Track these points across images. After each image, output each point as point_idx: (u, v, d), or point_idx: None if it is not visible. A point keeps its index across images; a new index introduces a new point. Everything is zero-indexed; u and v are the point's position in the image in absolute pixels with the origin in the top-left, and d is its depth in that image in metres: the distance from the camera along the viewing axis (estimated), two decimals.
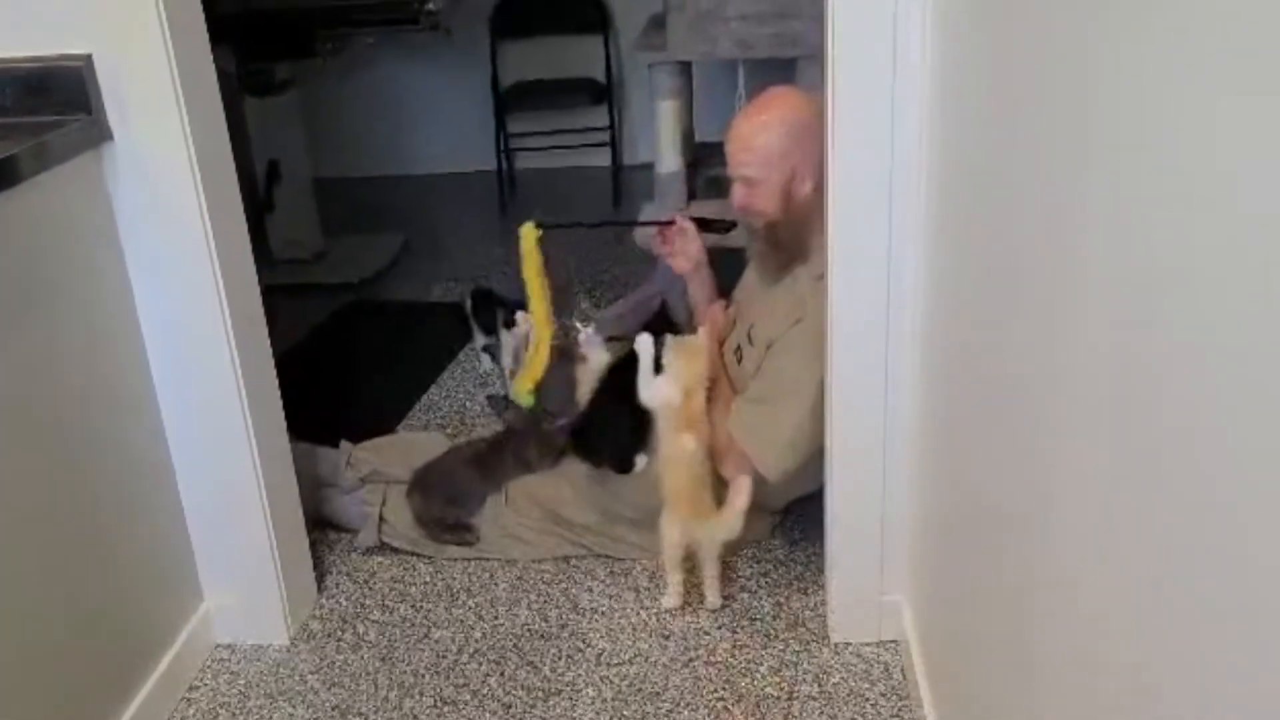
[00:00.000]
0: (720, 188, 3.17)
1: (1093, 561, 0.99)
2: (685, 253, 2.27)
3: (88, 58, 1.63)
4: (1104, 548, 0.96)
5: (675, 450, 2.00)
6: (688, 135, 3.22)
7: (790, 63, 2.85)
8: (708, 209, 2.48)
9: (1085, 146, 0.97)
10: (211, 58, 1.76)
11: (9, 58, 1.64)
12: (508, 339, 2.79)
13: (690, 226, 2.27)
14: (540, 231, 2.24)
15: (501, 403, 2.43)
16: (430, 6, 3.68)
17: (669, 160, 3.00)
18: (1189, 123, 0.76)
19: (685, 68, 3.04)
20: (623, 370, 2.13)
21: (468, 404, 2.87)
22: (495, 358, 2.86)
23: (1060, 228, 1.05)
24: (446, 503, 2.23)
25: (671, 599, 2.04)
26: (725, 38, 2.76)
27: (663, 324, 2.28)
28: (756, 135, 2.04)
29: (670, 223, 2.30)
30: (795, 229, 2.05)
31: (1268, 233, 0.65)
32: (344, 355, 3.30)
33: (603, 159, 4.66)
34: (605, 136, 4.62)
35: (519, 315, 2.76)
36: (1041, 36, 1.09)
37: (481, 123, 4.66)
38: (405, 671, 1.93)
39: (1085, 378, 0.99)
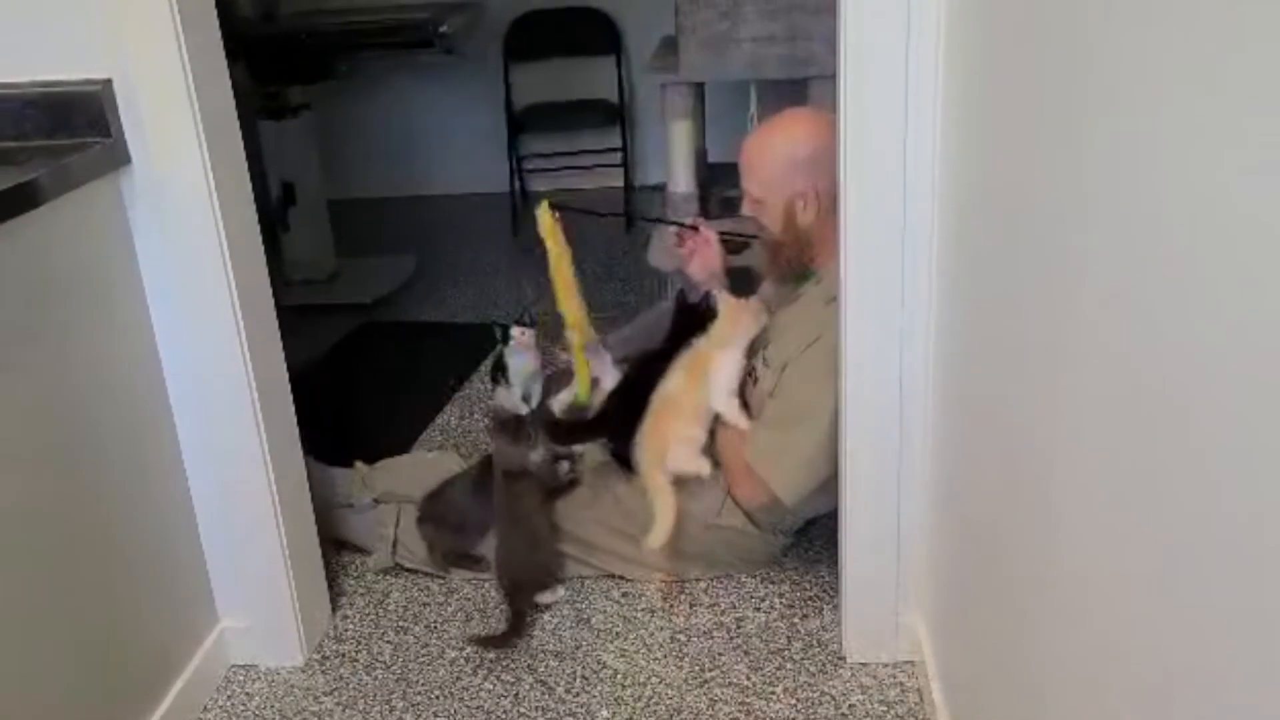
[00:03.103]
0: (733, 207, 3.18)
1: (1106, 581, 0.99)
2: (704, 260, 2.28)
3: (107, 82, 1.65)
4: (1117, 567, 0.96)
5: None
6: (700, 156, 3.23)
7: (802, 83, 2.85)
8: (721, 228, 2.48)
9: (1099, 167, 0.97)
10: (229, 81, 1.78)
11: (29, 81, 1.66)
12: (512, 356, 2.79)
13: (714, 236, 2.28)
14: (556, 213, 2.20)
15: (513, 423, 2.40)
16: (444, 29, 3.71)
17: (682, 180, 3.00)
18: (1199, 140, 0.76)
19: (697, 88, 3.04)
20: (646, 369, 2.16)
21: (481, 425, 2.87)
22: (506, 379, 2.85)
23: (1073, 246, 1.05)
24: (455, 532, 2.23)
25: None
26: (737, 59, 2.77)
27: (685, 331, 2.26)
28: (762, 156, 2.08)
29: (693, 228, 2.30)
30: (798, 250, 2.08)
31: (1270, 257, 0.65)
32: (357, 376, 3.31)
33: (615, 180, 4.68)
34: (618, 158, 4.64)
35: (514, 330, 2.76)
36: (1057, 58, 1.10)
37: (494, 144, 4.68)
38: (420, 692, 1.93)
39: (1096, 398, 0.99)
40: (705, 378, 2.05)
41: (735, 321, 2.05)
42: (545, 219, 2.19)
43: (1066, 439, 1.08)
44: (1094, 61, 0.97)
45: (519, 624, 2.03)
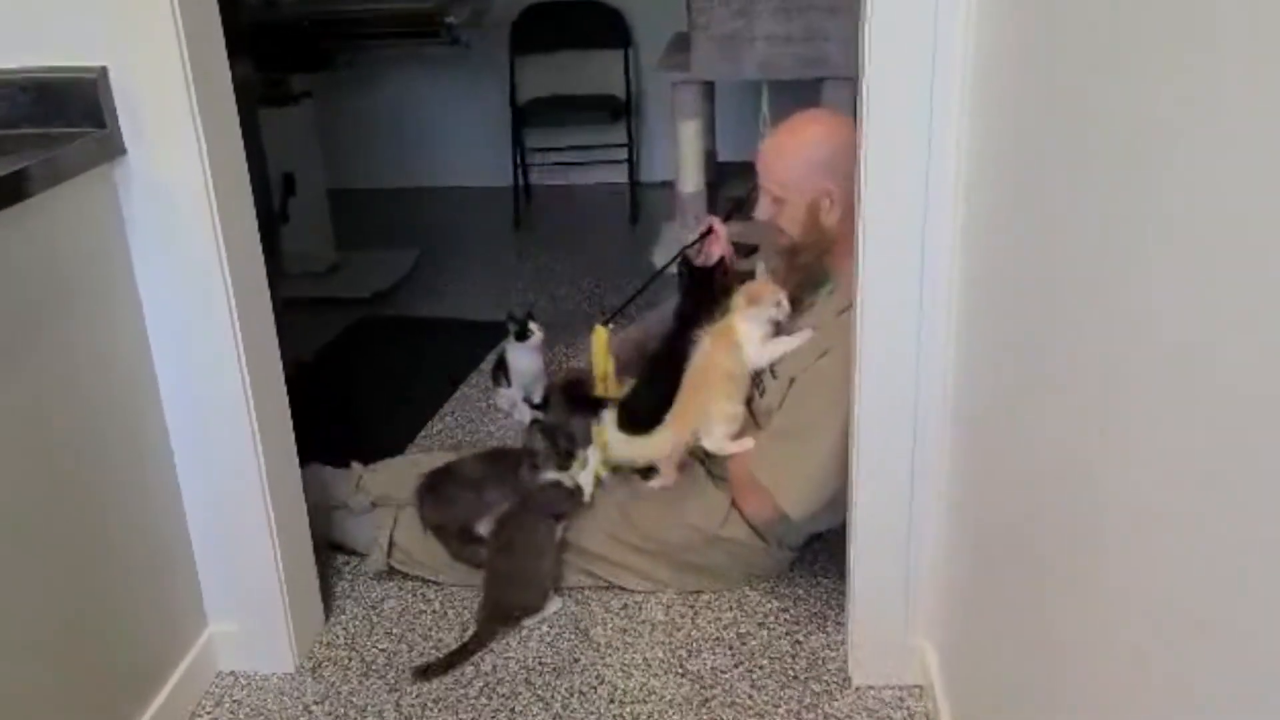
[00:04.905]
0: (740, 208, 3.13)
1: (1138, 610, 0.94)
2: (711, 257, 2.22)
3: (102, 70, 1.59)
4: (1151, 596, 0.91)
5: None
6: (709, 155, 3.19)
7: (814, 84, 2.80)
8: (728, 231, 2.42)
9: (1132, 177, 0.93)
10: (228, 71, 1.72)
11: (22, 68, 1.60)
12: (515, 353, 2.74)
13: (722, 229, 2.23)
14: (610, 327, 2.17)
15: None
16: (450, 20, 3.66)
17: (691, 180, 2.95)
18: (1258, 133, 0.71)
19: (708, 87, 3.00)
20: (664, 364, 2.11)
21: (480, 424, 2.82)
22: (508, 380, 2.81)
23: (1102, 265, 1.01)
24: (449, 504, 2.15)
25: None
26: (750, 58, 2.72)
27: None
28: (786, 155, 2.01)
29: (709, 231, 2.24)
30: (816, 254, 2.02)
31: None
32: (356, 372, 3.26)
33: (619, 176, 4.63)
34: (623, 153, 4.59)
35: (532, 325, 2.72)
36: (1086, 62, 1.05)
37: (498, 137, 4.63)
38: (413, 704, 1.88)
39: (1131, 413, 0.95)
40: (733, 346, 2.00)
41: (761, 291, 2.00)
42: (600, 341, 2.15)
43: (1111, 460, 1.02)
44: (1131, 55, 0.93)
45: (471, 648, 1.97)
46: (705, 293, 2.14)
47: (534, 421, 2.25)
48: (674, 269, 2.34)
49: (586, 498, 2.09)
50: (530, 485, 2.07)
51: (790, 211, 2.00)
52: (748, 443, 2.00)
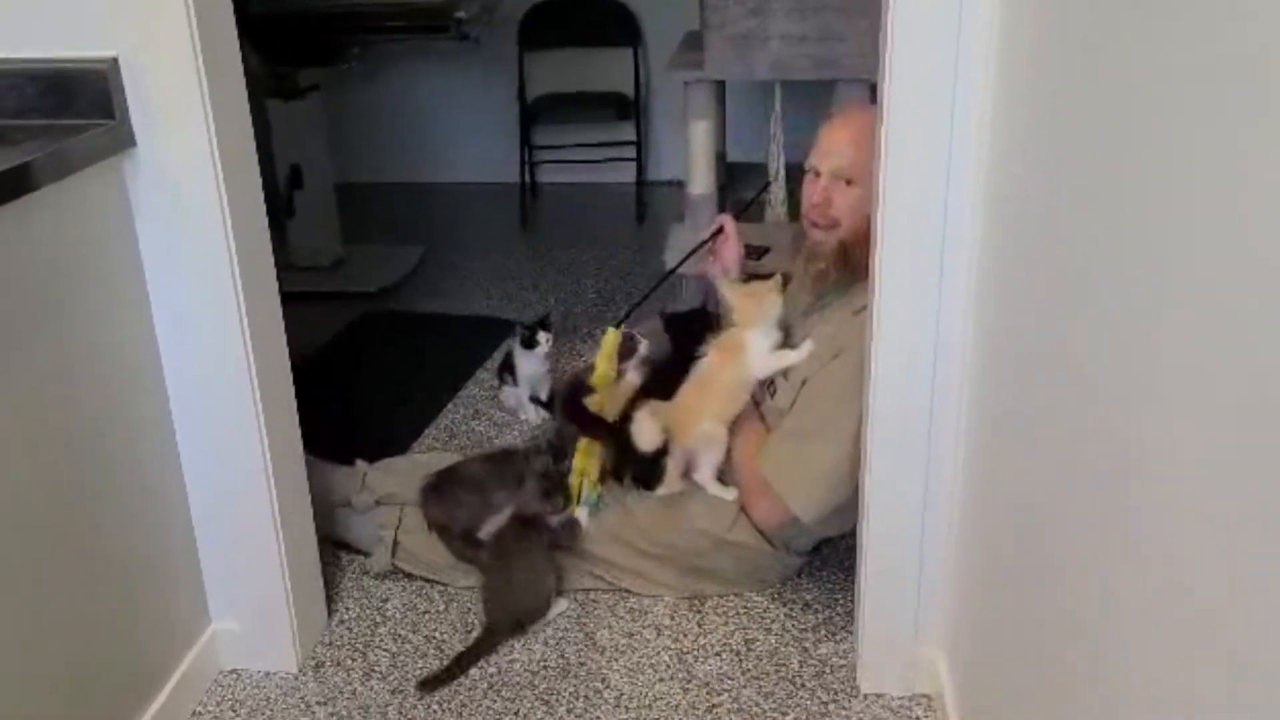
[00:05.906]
0: (749, 209, 3.10)
1: (1152, 620, 0.93)
2: (725, 258, 2.19)
3: (113, 61, 1.57)
4: (1166, 606, 0.90)
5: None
6: (719, 156, 3.16)
7: (828, 85, 2.78)
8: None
9: (1151, 180, 0.92)
10: (241, 63, 1.70)
11: (31, 58, 1.58)
12: (524, 359, 2.72)
13: (733, 228, 2.19)
14: (621, 331, 2.14)
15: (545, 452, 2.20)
16: (460, 15, 3.63)
17: (702, 181, 2.93)
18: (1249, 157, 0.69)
19: (719, 87, 2.97)
20: (656, 387, 2.08)
21: (484, 422, 2.80)
22: (514, 378, 2.79)
23: (1122, 273, 0.99)
24: (453, 505, 2.14)
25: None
26: (764, 58, 2.69)
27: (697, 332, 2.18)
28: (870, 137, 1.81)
29: (719, 231, 2.21)
30: (865, 251, 1.94)
31: None
32: (360, 368, 3.23)
33: (627, 174, 4.61)
34: (631, 152, 4.56)
35: (540, 335, 2.70)
36: (1106, 65, 1.03)
37: (506, 134, 4.61)
38: (416, 706, 1.86)
39: (1149, 421, 0.93)
40: (738, 357, 1.98)
41: (754, 299, 1.97)
42: (609, 343, 2.12)
43: (1128, 468, 1.00)
44: (1150, 60, 0.92)
45: (474, 656, 1.95)
46: (689, 337, 2.11)
47: (539, 447, 2.24)
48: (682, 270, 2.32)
49: (585, 530, 2.09)
50: (541, 510, 2.08)
51: (860, 197, 1.88)
52: (731, 493, 2.03)
